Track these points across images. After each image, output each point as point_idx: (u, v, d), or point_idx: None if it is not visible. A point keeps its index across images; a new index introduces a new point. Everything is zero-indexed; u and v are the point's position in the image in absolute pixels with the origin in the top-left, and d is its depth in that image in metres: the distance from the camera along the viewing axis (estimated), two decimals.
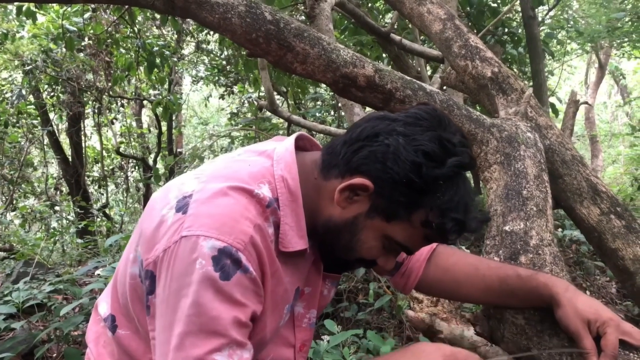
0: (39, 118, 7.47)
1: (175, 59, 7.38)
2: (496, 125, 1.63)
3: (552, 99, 5.22)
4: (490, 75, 1.92)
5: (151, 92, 8.42)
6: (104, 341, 0.99)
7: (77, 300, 2.46)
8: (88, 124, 8.59)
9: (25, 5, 4.65)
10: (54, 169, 9.14)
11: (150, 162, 8.90)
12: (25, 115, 7.28)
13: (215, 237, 0.79)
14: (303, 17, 5.17)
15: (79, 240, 5.68)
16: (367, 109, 3.06)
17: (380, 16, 5.43)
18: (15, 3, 4.62)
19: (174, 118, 9.39)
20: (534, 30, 4.61)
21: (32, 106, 7.30)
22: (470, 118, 1.62)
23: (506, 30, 4.64)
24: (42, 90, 7.23)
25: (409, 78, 1.70)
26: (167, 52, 5.78)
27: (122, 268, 0.95)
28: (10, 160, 7.43)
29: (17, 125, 7.26)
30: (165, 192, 0.90)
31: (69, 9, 5.49)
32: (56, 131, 8.01)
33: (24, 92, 6.66)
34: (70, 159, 7.82)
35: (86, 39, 6.16)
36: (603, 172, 11.21)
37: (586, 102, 8.32)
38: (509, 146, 1.57)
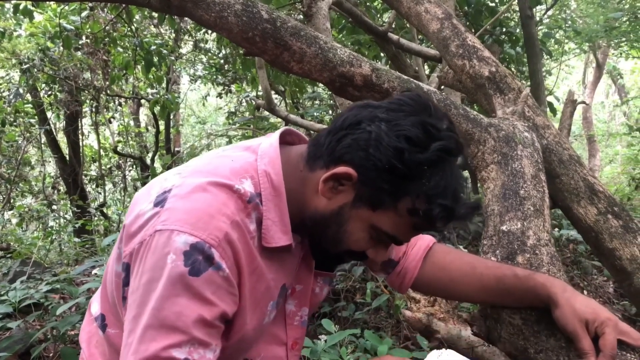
0: (36, 117, 7.45)
1: (172, 58, 7.36)
2: (493, 125, 1.63)
3: (549, 99, 5.22)
4: (488, 74, 1.91)
5: (149, 91, 8.40)
6: (96, 341, 1.00)
7: (74, 299, 2.46)
8: (85, 122, 8.58)
9: (23, 3, 4.63)
10: (51, 167, 9.11)
11: (148, 161, 8.89)
12: (22, 114, 7.26)
13: (189, 232, 0.78)
14: (301, 17, 5.17)
15: (76, 240, 5.67)
16: None
17: (378, 15, 5.43)
18: (12, 1, 4.60)
19: (171, 117, 9.37)
20: (532, 30, 4.61)
21: (30, 105, 7.27)
22: (467, 117, 1.62)
23: (504, 29, 4.64)
24: (39, 89, 7.21)
25: (406, 77, 1.70)
26: (165, 51, 5.76)
27: (109, 267, 0.95)
28: (7, 159, 7.40)
29: (15, 124, 7.23)
30: (148, 188, 0.90)
31: (66, 7, 5.48)
32: (54, 130, 7.98)
33: (21, 90, 6.64)
34: (67, 158, 7.80)
35: (83, 37, 6.15)
36: (600, 171, 11.23)
37: (584, 102, 8.33)
38: (506, 146, 1.57)
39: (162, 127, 9.05)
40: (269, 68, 4.77)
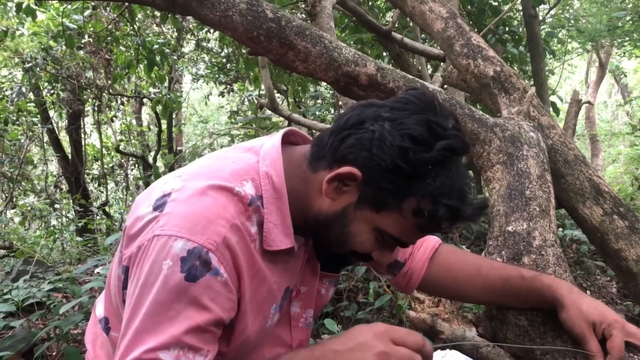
0: (38, 116, 7.45)
1: (175, 57, 7.36)
2: (499, 125, 1.62)
3: (552, 98, 5.21)
4: (493, 74, 1.90)
5: (151, 90, 8.40)
6: (101, 342, 0.99)
7: (77, 298, 2.45)
8: (88, 121, 8.57)
9: (25, 2, 4.64)
10: (53, 166, 9.13)
11: (150, 160, 8.89)
12: (25, 112, 7.26)
13: (186, 238, 0.78)
14: (303, 15, 5.16)
15: (79, 239, 5.67)
16: None
17: (381, 14, 5.42)
18: (15, 0, 4.61)
19: (174, 116, 9.37)
20: (535, 29, 4.60)
21: (32, 104, 7.28)
22: (473, 117, 1.61)
23: (507, 29, 4.63)
24: (42, 88, 7.21)
25: (411, 77, 1.69)
26: (167, 50, 5.76)
27: (112, 270, 0.94)
28: (10, 157, 7.41)
29: (17, 122, 7.25)
30: (149, 191, 0.89)
31: (69, 6, 5.48)
32: (56, 129, 7.98)
33: (24, 89, 6.65)
34: (70, 157, 7.80)
35: (86, 36, 6.14)
36: (603, 171, 11.21)
37: (588, 102, 8.32)
38: (512, 146, 1.56)
39: (164, 126, 9.05)
40: (272, 67, 4.76)
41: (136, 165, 9.29)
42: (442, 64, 3.79)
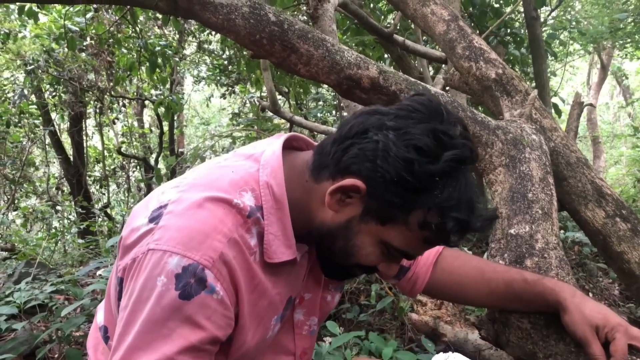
0: (40, 118, 7.47)
1: (177, 59, 7.37)
2: (501, 128, 1.62)
3: (554, 100, 5.21)
4: (495, 76, 1.91)
5: (153, 92, 8.41)
6: (103, 348, 0.99)
7: (79, 301, 2.46)
8: (90, 123, 8.60)
9: (28, 5, 4.64)
10: (55, 168, 9.15)
11: (152, 162, 8.90)
12: (27, 115, 7.28)
13: (182, 254, 0.75)
14: (305, 18, 5.17)
15: (80, 241, 5.68)
16: None
17: (383, 17, 5.43)
18: (17, 3, 4.61)
19: (175, 118, 9.38)
20: (537, 31, 4.60)
21: (34, 106, 7.29)
22: (475, 120, 1.61)
23: (508, 30, 4.63)
24: (44, 90, 7.23)
25: (413, 79, 1.69)
26: (169, 52, 5.77)
27: (111, 279, 0.93)
28: (12, 160, 7.43)
29: (19, 125, 7.26)
30: (146, 202, 0.87)
31: (71, 9, 5.49)
32: (58, 131, 8.01)
33: (26, 92, 6.66)
34: (71, 159, 7.82)
35: (88, 38, 6.16)
36: (605, 173, 11.20)
37: (591, 104, 8.31)
38: (514, 148, 1.56)
39: (166, 128, 9.06)
40: (273, 69, 4.77)
41: (138, 167, 9.30)
42: (443, 66, 3.80)
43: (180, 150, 9.60)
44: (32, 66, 6.23)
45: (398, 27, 3.97)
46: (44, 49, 6.29)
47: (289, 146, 0.95)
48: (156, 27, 7.38)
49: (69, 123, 7.87)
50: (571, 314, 0.95)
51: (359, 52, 1.66)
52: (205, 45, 8.01)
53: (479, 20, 4.59)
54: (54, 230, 6.56)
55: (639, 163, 8.67)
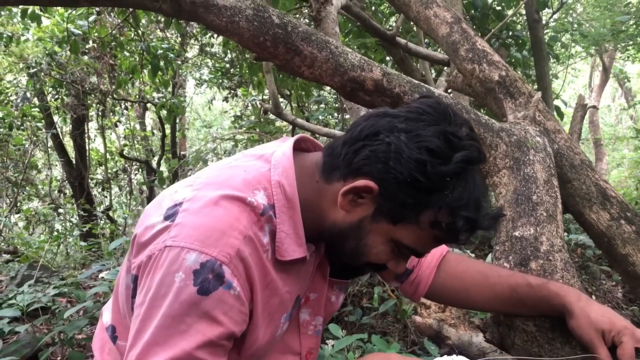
0: (43, 121, 7.49)
1: (179, 62, 7.39)
2: (505, 130, 1.62)
3: (556, 102, 5.20)
4: (498, 79, 1.90)
5: (155, 94, 8.43)
6: (109, 349, 0.99)
7: (81, 303, 2.45)
8: (92, 126, 8.62)
9: (30, 8, 4.66)
10: (57, 171, 9.15)
11: (154, 164, 8.91)
12: (29, 118, 7.30)
13: (199, 250, 0.76)
14: (307, 20, 5.17)
15: (83, 243, 5.68)
16: None
17: (385, 19, 5.43)
18: (20, 6, 4.63)
19: (177, 121, 9.39)
20: (539, 33, 4.61)
21: (37, 109, 7.31)
22: (479, 122, 1.61)
23: (511, 33, 4.64)
24: (46, 93, 7.25)
25: (416, 82, 1.69)
26: (171, 55, 5.78)
27: (121, 278, 0.94)
28: (14, 162, 7.44)
29: (22, 127, 7.28)
30: (159, 200, 0.88)
31: (74, 12, 5.50)
32: (60, 134, 8.02)
33: (28, 94, 6.68)
34: (74, 162, 7.83)
35: (90, 41, 6.18)
36: (607, 175, 11.18)
37: (594, 106, 8.30)
38: (518, 151, 1.55)
39: (168, 131, 9.08)
40: (276, 71, 4.77)
41: (140, 170, 9.32)
42: (445, 68, 3.80)
43: (182, 153, 9.61)
44: (35, 69, 6.25)
45: (400, 30, 3.97)
46: (47, 51, 6.31)
47: (297, 147, 0.96)
48: (158, 30, 7.39)
49: (71, 126, 7.88)
50: (577, 318, 0.95)
51: (361, 54, 1.66)
52: (207, 48, 8.02)
53: (481, 22, 4.59)
54: (56, 233, 6.56)
55: None
